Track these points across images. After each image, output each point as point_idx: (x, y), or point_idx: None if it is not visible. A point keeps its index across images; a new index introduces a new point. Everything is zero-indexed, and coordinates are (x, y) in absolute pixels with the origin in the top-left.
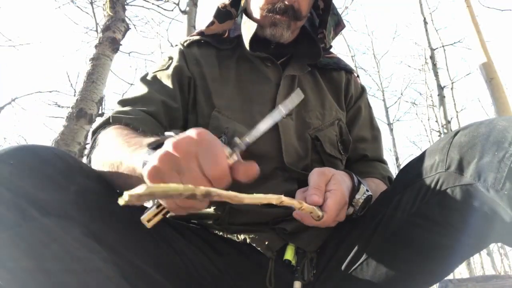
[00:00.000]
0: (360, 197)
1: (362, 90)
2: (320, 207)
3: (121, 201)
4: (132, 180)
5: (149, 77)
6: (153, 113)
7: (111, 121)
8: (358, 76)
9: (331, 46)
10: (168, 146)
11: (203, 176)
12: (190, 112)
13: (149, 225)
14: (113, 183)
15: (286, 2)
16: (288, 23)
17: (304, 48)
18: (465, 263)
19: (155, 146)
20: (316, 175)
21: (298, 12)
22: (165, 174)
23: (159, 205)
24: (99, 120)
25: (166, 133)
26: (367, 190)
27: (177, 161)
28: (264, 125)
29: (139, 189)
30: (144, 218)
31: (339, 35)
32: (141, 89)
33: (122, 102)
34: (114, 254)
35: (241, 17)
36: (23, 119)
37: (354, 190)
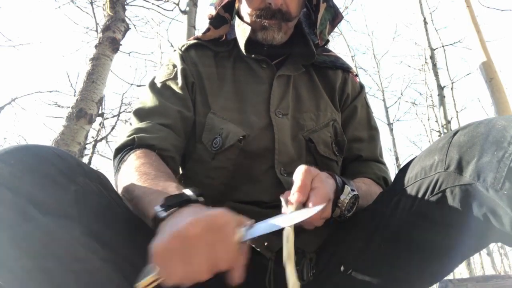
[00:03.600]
0: (345, 197)
1: (360, 89)
2: (304, 204)
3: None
4: (148, 222)
5: (159, 86)
6: (171, 126)
7: (136, 141)
8: (357, 74)
9: (327, 41)
10: (182, 225)
11: (212, 263)
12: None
13: None
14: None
15: (273, 7)
16: (279, 25)
17: (299, 48)
18: (465, 263)
19: (172, 204)
20: (302, 173)
21: (287, 14)
22: (173, 253)
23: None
24: (122, 139)
25: (185, 192)
26: (352, 190)
27: (188, 244)
28: (271, 226)
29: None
30: (138, 285)
31: (339, 34)
32: (154, 100)
33: (139, 115)
34: (114, 254)
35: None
36: (23, 119)
37: (338, 190)
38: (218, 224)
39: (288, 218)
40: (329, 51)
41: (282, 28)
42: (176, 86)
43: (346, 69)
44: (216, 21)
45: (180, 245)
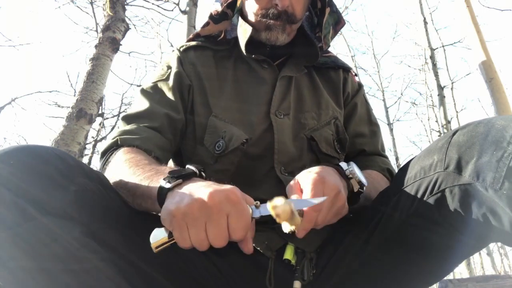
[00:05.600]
0: (347, 168)
1: (359, 87)
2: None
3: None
4: (148, 204)
5: (149, 88)
6: (158, 128)
7: (119, 142)
8: (356, 74)
9: (328, 45)
10: (203, 194)
11: (227, 232)
12: (189, 113)
13: (156, 250)
14: (127, 202)
15: (279, 8)
16: (283, 27)
17: (302, 49)
18: (465, 263)
19: (177, 175)
20: (287, 189)
21: (292, 16)
22: (191, 218)
23: (170, 234)
24: (107, 142)
25: (188, 167)
26: (348, 163)
27: (209, 211)
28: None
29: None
30: (153, 244)
31: (339, 35)
32: (143, 103)
33: (126, 119)
34: (114, 254)
35: (237, 18)
36: (23, 119)
37: (339, 170)
38: (235, 198)
39: (291, 202)
40: (328, 52)
41: (286, 29)
42: (167, 88)
43: (346, 69)
44: (217, 15)
45: (199, 212)
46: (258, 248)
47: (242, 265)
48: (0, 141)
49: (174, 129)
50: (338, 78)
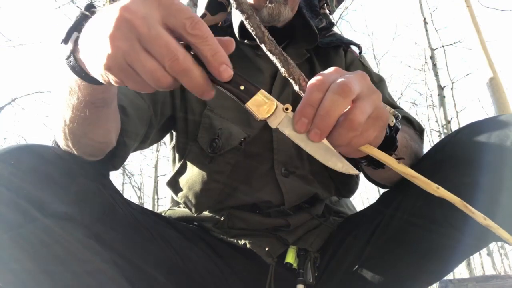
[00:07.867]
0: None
1: (358, 54)
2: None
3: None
4: (78, 101)
5: None
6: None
7: None
8: (360, 50)
9: (332, 24)
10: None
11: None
12: (179, 109)
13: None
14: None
15: None
16: None
17: (301, 31)
18: (465, 263)
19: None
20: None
21: None
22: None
23: None
24: None
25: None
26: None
27: (134, 27)
28: None
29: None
30: None
31: (340, 33)
32: None
33: None
34: (116, 255)
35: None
36: (23, 119)
37: None
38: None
39: None
40: (331, 30)
41: (289, 1)
42: None
43: (346, 46)
44: (212, 7)
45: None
46: (259, 254)
47: (243, 268)
48: (0, 141)
49: (154, 103)
50: (337, 59)
